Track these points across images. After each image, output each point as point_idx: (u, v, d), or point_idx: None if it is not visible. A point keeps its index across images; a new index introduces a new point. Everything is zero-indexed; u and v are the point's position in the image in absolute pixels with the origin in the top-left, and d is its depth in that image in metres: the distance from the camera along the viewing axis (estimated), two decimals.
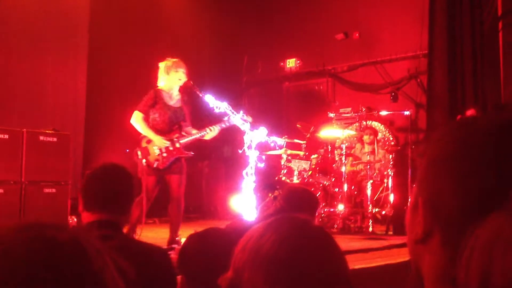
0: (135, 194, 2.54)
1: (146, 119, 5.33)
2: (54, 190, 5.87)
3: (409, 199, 0.90)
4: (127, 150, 8.94)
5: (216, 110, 5.63)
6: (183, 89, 5.53)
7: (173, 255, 2.55)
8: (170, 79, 5.37)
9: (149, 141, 5.30)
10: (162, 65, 5.45)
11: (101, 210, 2.33)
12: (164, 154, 5.28)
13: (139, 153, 5.28)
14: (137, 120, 5.29)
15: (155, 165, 5.24)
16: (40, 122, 6.91)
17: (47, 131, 6.15)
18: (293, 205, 3.22)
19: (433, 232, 0.80)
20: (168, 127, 5.37)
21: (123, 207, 2.42)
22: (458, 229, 0.76)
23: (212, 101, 5.63)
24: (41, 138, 5.99)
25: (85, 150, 8.36)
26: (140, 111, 5.31)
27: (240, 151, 6.03)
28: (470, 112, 6.92)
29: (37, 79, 7.86)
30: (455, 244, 0.75)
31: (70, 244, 0.72)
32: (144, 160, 5.24)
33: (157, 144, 5.26)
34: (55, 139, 6.09)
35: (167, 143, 5.29)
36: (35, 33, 7.75)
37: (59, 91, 8.10)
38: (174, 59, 5.44)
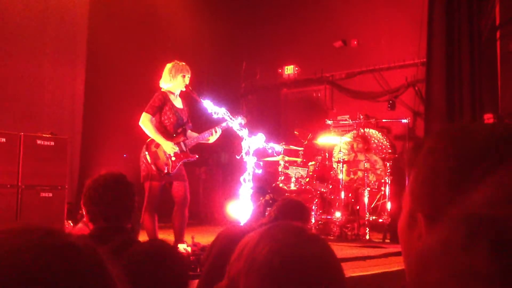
0: (135, 201, 2.57)
1: (153, 121, 5.29)
2: (50, 195, 5.84)
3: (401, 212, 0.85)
4: (125, 155, 8.96)
5: (214, 116, 5.63)
6: (182, 94, 5.53)
7: None
8: (176, 81, 5.35)
9: (158, 145, 5.24)
10: (169, 66, 5.38)
11: (105, 221, 2.39)
12: (173, 158, 5.23)
13: (148, 157, 5.20)
14: (146, 122, 5.23)
15: (165, 170, 5.19)
16: (38, 125, 6.89)
17: (44, 135, 6.13)
18: (286, 215, 3.35)
19: None
20: (174, 130, 5.35)
21: (125, 217, 2.46)
22: None
23: (210, 107, 5.64)
24: (38, 142, 5.96)
25: (82, 154, 8.34)
26: (148, 112, 5.25)
27: (237, 157, 6.03)
28: (487, 116, 6.90)
29: (35, 83, 7.84)
30: None
31: (86, 255, 0.68)
32: (153, 166, 5.17)
33: (167, 150, 5.21)
34: (52, 143, 6.06)
35: (177, 149, 5.26)
36: (33, 36, 7.73)
37: (57, 95, 8.09)
38: (182, 63, 5.41)
